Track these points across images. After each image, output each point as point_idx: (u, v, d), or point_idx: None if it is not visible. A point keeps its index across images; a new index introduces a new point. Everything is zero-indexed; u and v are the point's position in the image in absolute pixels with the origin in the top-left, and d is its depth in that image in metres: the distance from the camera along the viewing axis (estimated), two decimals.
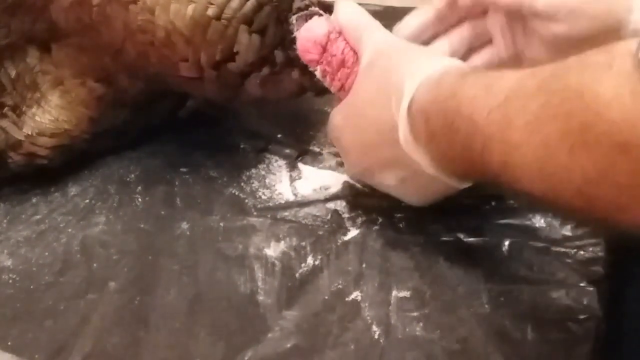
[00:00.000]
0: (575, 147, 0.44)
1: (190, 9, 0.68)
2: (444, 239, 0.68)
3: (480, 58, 0.70)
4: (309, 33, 0.69)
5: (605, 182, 0.44)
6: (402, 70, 0.61)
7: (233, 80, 0.71)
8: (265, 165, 0.78)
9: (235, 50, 0.69)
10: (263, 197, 0.75)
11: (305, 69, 0.70)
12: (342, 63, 0.68)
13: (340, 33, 0.68)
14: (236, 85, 0.72)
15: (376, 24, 0.68)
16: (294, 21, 0.69)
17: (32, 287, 0.67)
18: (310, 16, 0.70)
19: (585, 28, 0.62)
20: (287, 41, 0.70)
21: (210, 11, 0.68)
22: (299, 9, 0.70)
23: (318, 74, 0.69)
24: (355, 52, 0.68)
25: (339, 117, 0.68)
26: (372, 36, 0.66)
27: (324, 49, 0.68)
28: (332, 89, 0.70)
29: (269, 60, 0.71)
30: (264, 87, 0.72)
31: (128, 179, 0.77)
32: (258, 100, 0.74)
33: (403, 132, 0.59)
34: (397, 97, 0.59)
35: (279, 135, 0.81)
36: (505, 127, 0.49)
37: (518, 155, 0.49)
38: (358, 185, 0.74)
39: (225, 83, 0.71)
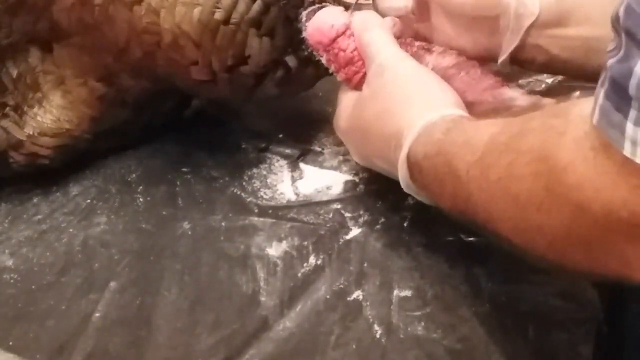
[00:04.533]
0: (543, 207, 0.47)
1: (196, 12, 0.67)
2: (446, 238, 0.68)
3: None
4: (324, 18, 0.69)
5: (571, 239, 0.47)
6: (402, 116, 0.63)
7: (247, 82, 0.71)
8: (266, 165, 0.78)
9: (246, 55, 0.69)
10: (265, 196, 0.75)
11: (318, 63, 0.71)
12: (351, 61, 0.68)
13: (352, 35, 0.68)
14: (250, 86, 0.72)
15: (386, 37, 0.67)
16: (304, 18, 0.69)
17: (33, 287, 0.67)
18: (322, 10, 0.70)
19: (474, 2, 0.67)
20: (296, 42, 0.70)
21: (218, 15, 0.67)
22: (311, 3, 0.69)
23: (324, 61, 0.70)
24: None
25: (344, 125, 0.70)
26: (380, 51, 0.66)
27: (334, 39, 0.68)
28: (338, 78, 0.70)
29: (282, 63, 0.71)
30: (280, 87, 0.72)
31: (129, 179, 0.78)
32: (274, 98, 0.74)
33: (403, 177, 0.63)
34: (396, 143, 0.62)
35: (281, 135, 0.81)
36: (482, 182, 0.53)
37: (495, 211, 0.52)
38: (360, 185, 0.75)
39: (238, 85, 0.71)
